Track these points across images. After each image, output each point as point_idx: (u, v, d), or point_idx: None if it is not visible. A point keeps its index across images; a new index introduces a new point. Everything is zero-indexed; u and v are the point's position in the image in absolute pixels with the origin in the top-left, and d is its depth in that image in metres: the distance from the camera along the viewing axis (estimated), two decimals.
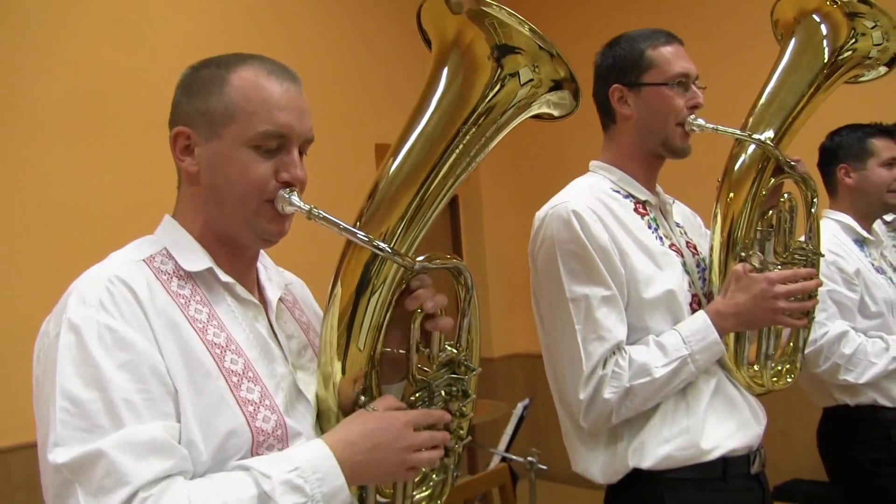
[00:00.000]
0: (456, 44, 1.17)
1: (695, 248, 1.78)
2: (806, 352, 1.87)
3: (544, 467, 2.93)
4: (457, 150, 1.14)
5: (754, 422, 1.67)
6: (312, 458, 1.03)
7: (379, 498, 1.18)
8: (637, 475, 1.60)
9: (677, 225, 1.81)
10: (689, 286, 1.68)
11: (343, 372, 1.14)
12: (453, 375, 1.21)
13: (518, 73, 1.14)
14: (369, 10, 4.04)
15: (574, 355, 1.59)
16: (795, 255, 1.74)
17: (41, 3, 2.93)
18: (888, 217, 3.18)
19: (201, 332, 1.06)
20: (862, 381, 2.21)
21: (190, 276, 1.11)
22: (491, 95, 1.14)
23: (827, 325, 2.25)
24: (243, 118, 1.09)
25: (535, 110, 1.19)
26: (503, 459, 3.08)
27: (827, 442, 2.41)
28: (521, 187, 5.42)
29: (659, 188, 1.82)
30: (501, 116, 1.15)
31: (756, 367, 1.74)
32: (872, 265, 2.40)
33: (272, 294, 1.22)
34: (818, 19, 1.77)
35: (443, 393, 1.19)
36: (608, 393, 1.56)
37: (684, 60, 1.69)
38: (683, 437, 1.58)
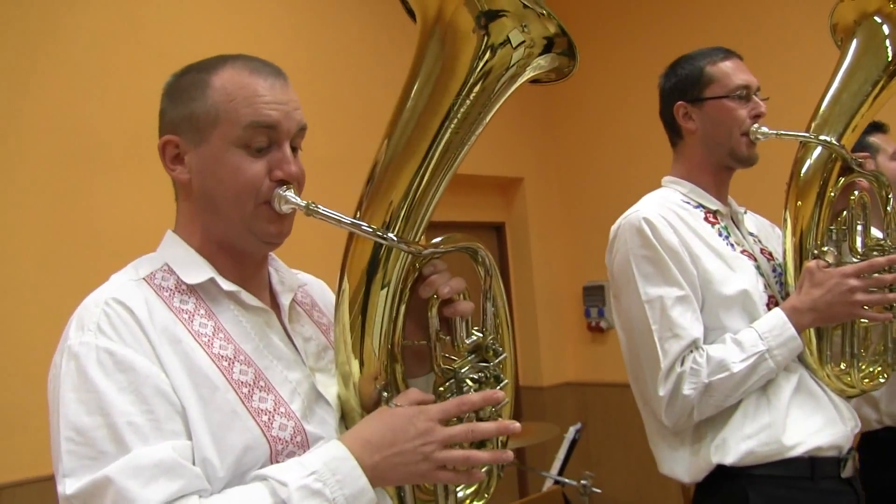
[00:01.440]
0: (439, 16, 1.14)
1: (770, 254, 1.90)
2: None
3: (598, 490, 2.94)
4: (453, 124, 1.11)
5: (841, 421, 1.74)
6: (330, 461, 1.02)
7: (421, 494, 1.16)
8: (721, 472, 1.69)
9: (750, 234, 1.93)
10: (765, 288, 1.79)
11: (361, 369, 1.12)
12: (481, 362, 1.19)
13: (508, 37, 1.11)
14: (381, 23, 4.17)
15: (652, 355, 1.70)
16: (873, 252, 1.81)
17: (92, 38, 3.10)
18: None
19: (207, 346, 1.06)
20: None
21: (192, 290, 1.11)
22: (482, 65, 1.11)
23: None
24: (228, 117, 1.09)
25: (530, 74, 1.17)
26: (556, 483, 3.09)
27: (868, 471, 2.35)
28: (569, 214, 5.52)
29: (731, 199, 1.95)
30: (498, 83, 1.13)
31: (843, 366, 1.80)
32: None
33: (284, 297, 1.22)
34: (879, 20, 1.89)
35: (469, 381, 1.16)
36: (687, 389, 1.66)
37: (743, 73, 1.83)
38: (765, 432, 1.67)
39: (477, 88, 1.11)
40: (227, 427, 1.02)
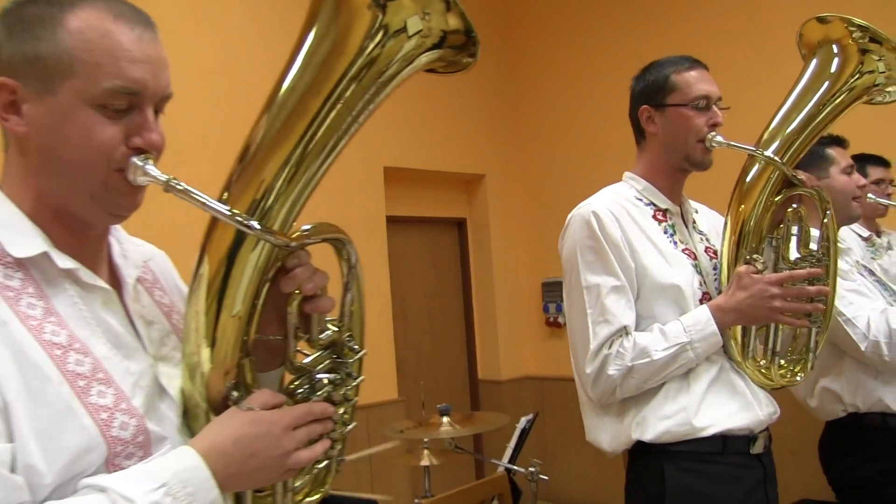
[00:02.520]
0: None
1: (715, 252, 2.12)
2: (865, 350, 2.26)
3: (545, 477, 3.15)
4: (336, 107, 1.06)
5: (757, 407, 1.98)
6: (181, 471, 0.94)
7: (259, 494, 1.12)
8: (640, 446, 1.94)
9: (700, 232, 2.16)
10: (700, 285, 2.03)
11: (211, 360, 1.05)
12: (336, 359, 1.18)
13: (406, 22, 1.07)
14: None
15: (585, 336, 1.95)
16: (804, 263, 2.03)
17: None
18: (863, 232, 3.52)
19: (36, 331, 0.94)
20: None
21: (20, 264, 0.98)
22: (372, 47, 1.06)
23: (861, 314, 2.48)
24: (85, 71, 0.96)
25: (424, 64, 1.13)
26: (506, 470, 3.28)
27: (832, 456, 2.68)
28: (530, 211, 5.77)
29: (686, 198, 2.19)
30: (386, 69, 1.08)
31: (763, 362, 2.05)
32: (857, 271, 2.72)
33: (128, 273, 1.11)
34: (836, 50, 2.12)
35: (325, 380, 1.14)
36: (612, 370, 1.90)
37: (705, 83, 2.05)
38: (681, 414, 1.91)
39: (365, 72, 1.06)
40: (59, 426, 0.91)
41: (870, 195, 2.87)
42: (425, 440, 3.37)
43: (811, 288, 1.95)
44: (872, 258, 3.89)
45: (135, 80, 0.98)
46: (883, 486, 2.50)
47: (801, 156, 2.07)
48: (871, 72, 2.05)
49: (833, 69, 2.09)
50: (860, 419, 2.55)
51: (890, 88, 2.09)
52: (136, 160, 0.99)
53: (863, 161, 4.02)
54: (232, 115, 3.72)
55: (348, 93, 1.06)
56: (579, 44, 5.35)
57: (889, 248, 3.80)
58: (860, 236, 3.99)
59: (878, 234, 4.14)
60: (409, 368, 5.22)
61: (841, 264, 2.59)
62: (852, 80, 2.06)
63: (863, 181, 2.84)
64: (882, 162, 4.10)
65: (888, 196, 4.01)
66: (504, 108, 5.68)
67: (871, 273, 2.84)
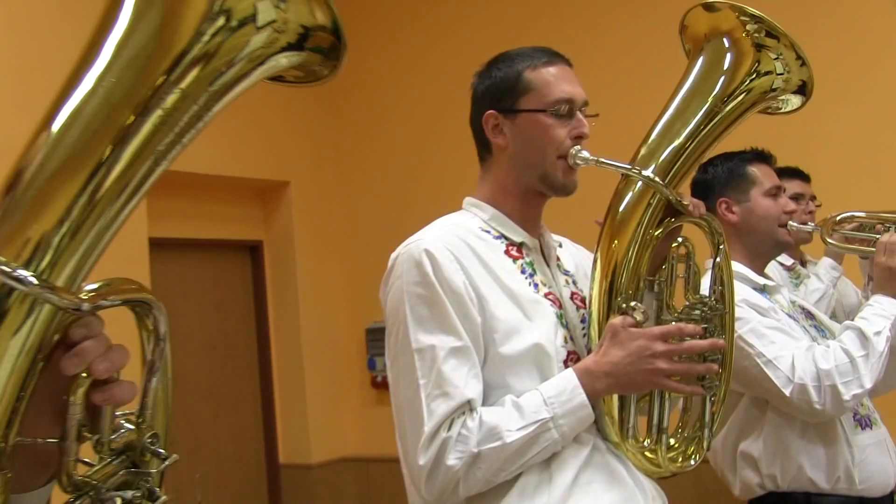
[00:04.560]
0: None
1: (584, 300, 2.24)
2: (790, 396, 2.46)
3: None
4: (152, 119, 1.05)
5: (641, 500, 2.07)
6: None
7: None
8: None
9: (565, 272, 2.28)
10: (566, 342, 2.13)
11: None
12: (133, 469, 1.16)
13: (255, 7, 1.09)
14: None
15: (416, 416, 1.99)
16: (694, 311, 2.18)
17: None
18: (787, 261, 3.85)
19: None
20: (868, 384, 2.67)
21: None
22: (209, 38, 1.07)
23: (784, 354, 2.71)
24: None
25: (273, 68, 1.17)
26: None
27: None
28: (350, 233, 5.82)
29: (545, 229, 2.29)
30: (224, 72, 1.09)
31: (648, 442, 2.15)
32: (782, 311, 2.96)
33: None
34: (727, 44, 2.31)
35: (119, 501, 1.12)
36: (452, 459, 1.94)
37: (568, 84, 2.16)
38: None
39: (197, 71, 1.07)
40: None
41: (791, 222, 3.13)
42: None
43: (703, 342, 2.07)
44: (796, 290, 4.26)
45: None
46: None
47: (686, 175, 2.23)
48: (769, 73, 2.25)
49: (725, 66, 2.27)
50: (782, 500, 2.77)
51: (787, 96, 2.30)
52: None
53: (777, 175, 4.39)
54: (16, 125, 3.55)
55: (170, 102, 1.05)
56: (417, 20, 5.52)
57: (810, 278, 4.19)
58: (782, 265, 4.35)
59: (804, 263, 4.54)
60: (180, 452, 5.05)
61: (758, 301, 2.82)
62: (749, 81, 2.24)
63: (791, 206, 3.10)
64: (798, 174, 4.49)
65: (810, 214, 4.40)
66: (315, 96, 5.71)
67: (810, 316, 3.11)
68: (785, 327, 2.80)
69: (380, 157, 5.71)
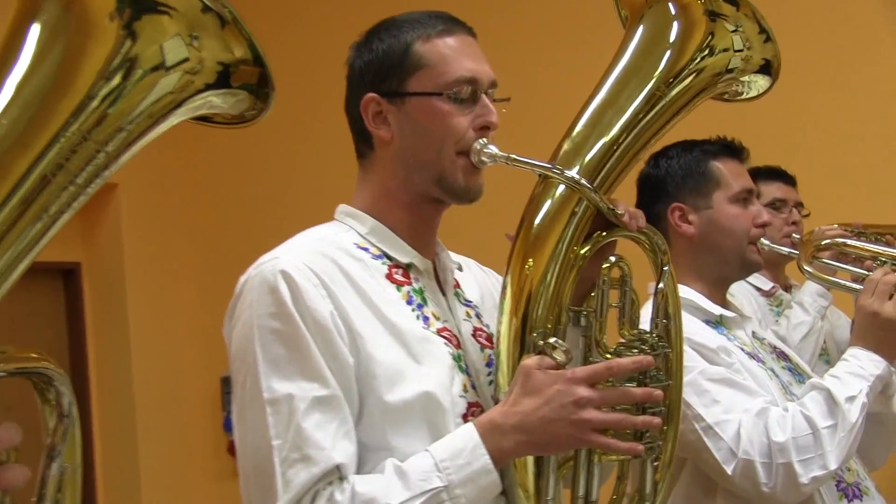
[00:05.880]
0: None
1: (490, 338, 2.22)
2: (732, 475, 2.47)
3: None
4: (50, 173, 1.20)
5: None
6: None
7: None
8: None
9: (466, 303, 2.26)
10: (466, 390, 2.11)
11: None
12: None
13: (162, 48, 1.22)
14: None
15: (268, 487, 1.94)
16: (630, 351, 2.17)
17: None
18: (764, 285, 3.94)
19: None
20: (833, 464, 2.66)
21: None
22: (117, 81, 1.21)
23: (729, 419, 2.69)
24: None
25: (195, 109, 1.32)
26: None
27: None
28: (198, 252, 5.79)
29: (442, 247, 2.27)
30: (132, 119, 1.24)
31: None
32: (743, 350, 2.96)
33: None
34: (673, 11, 2.32)
35: None
36: None
37: (471, 59, 2.16)
38: None
39: (103, 110, 1.20)
40: None
41: (763, 240, 3.11)
42: None
43: (639, 390, 2.05)
44: (776, 321, 4.36)
45: None
46: None
47: (621, 176, 2.22)
48: (725, 50, 2.25)
49: (671, 39, 2.28)
50: None
51: (748, 77, 2.31)
52: None
53: (753, 177, 4.47)
54: None
55: (70, 143, 1.18)
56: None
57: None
58: (758, 290, 4.44)
59: (787, 288, 4.64)
60: None
61: (703, 341, 2.79)
62: (700, 59, 2.25)
63: (764, 216, 3.09)
64: (780, 176, 4.57)
65: (795, 225, 4.50)
66: None
67: (783, 356, 3.11)
68: (737, 377, 2.77)
69: (237, 153, 5.69)
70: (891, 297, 2.85)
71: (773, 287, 4.47)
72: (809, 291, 4.25)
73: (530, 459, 2.08)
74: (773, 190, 4.44)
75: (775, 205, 4.43)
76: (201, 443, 5.68)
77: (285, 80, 5.04)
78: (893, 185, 4.97)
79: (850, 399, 2.71)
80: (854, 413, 2.70)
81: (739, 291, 4.17)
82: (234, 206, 5.68)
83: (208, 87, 1.26)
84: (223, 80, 1.27)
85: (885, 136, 5.00)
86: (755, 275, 4.36)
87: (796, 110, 4.30)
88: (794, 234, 4.33)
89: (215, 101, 1.30)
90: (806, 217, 4.54)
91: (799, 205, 4.54)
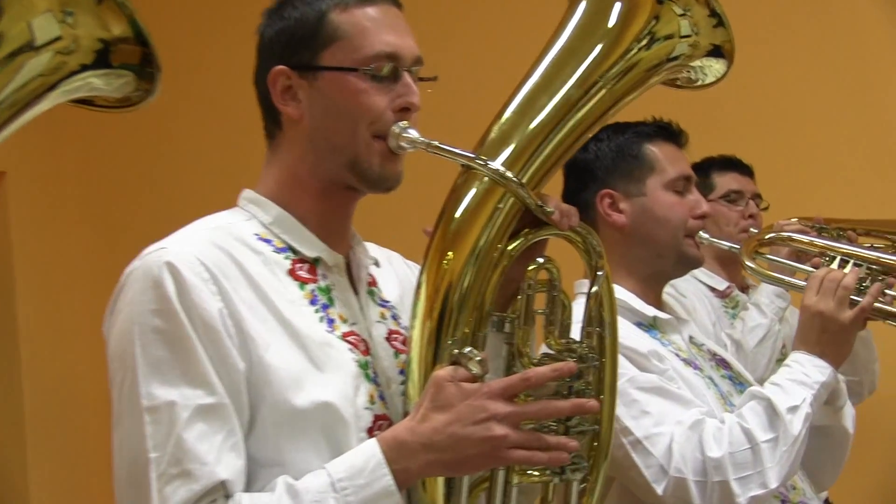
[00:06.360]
0: None
1: (406, 342, 2.19)
2: (663, 495, 2.44)
3: None
4: None
5: None
6: None
7: None
8: None
9: (382, 303, 2.25)
10: (372, 402, 2.10)
11: None
12: None
13: (30, 25, 1.21)
14: None
15: (141, 501, 1.93)
16: (558, 360, 2.14)
17: None
18: (719, 284, 3.95)
19: None
20: (774, 482, 2.68)
21: None
22: None
23: (660, 432, 2.70)
24: None
25: (72, 91, 1.32)
26: None
27: None
28: (105, 241, 5.78)
29: (358, 240, 2.26)
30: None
31: None
32: (678, 356, 2.97)
33: None
34: None
35: None
36: None
37: (393, 32, 2.14)
38: None
39: None
40: None
41: (702, 233, 3.12)
42: None
43: (563, 403, 2.04)
44: (732, 323, 4.38)
45: None
46: None
47: (553, 169, 2.22)
48: (670, 36, 2.25)
49: (612, 21, 2.27)
50: None
51: (700, 62, 2.32)
52: None
53: (707, 168, 4.49)
54: None
55: None
56: None
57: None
58: (713, 290, 4.46)
59: (744, 288, 4.66)
60: None
61: (633, 344, 2.79)
62: (638, 48, 2.25)
63: (703, 206, 3.07)
64: (736, 166, 4.59)
65: (752, 219, 4.53)
66: None
67: (724, 364, 3.12)
68: (669, 385, 2.77)
69: (139, 136, 5.64)
70: (836, 295, 2.86)
71: (729, 287, 4.47)
72: (766, 292, 4.28)
73: (440, 480, 2.06)
74: (728, 181, 4.45)
75: (730, 197, 4.45)
76: (96, 455, 5.57)
77: (187, 53, 5.02)
78: (858, 175, 4.98)
79: (793, 409, 2.73)
80: (796, 425, 2.71)
81: (691, 292, 4.21)
82: (137, 195, 5.66)
83: (85, 67, 1.26)
84: (102, 59, 1.27)
85: (849, 122, 5.02)
86: (709, 274, 4.41)
87: (753, 94, 4.30)
88: (751, 229, 4.33)
89: (96, 83, 1.29)
90: (764, 210, 4.54)
91: (756, 197, 4.55)
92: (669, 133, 3.08)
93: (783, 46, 5.12)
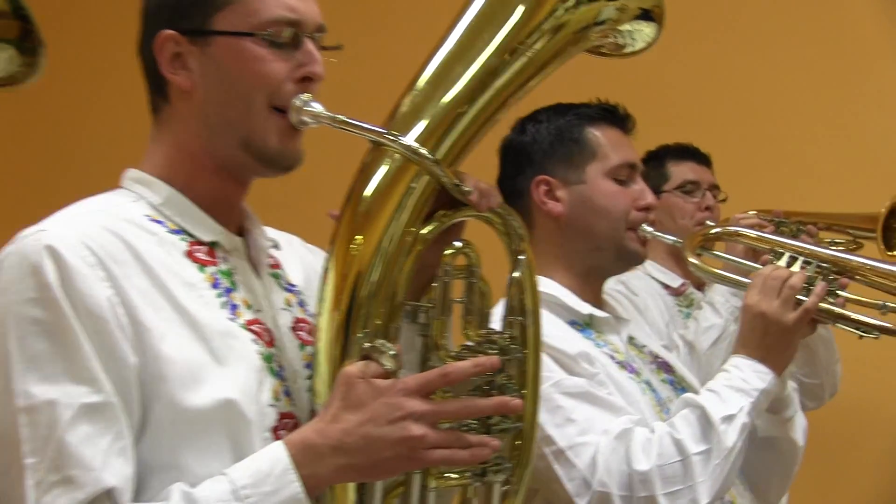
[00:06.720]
0: None
1: (313, 331, 2.16)
2: None
3: None
4: None
5: None
6: None
7: None
8: None
9: (288, 288, 2.24)
10: (277, 399, 2.07)
11: None
12: None
13: None
14: None
15: None
16: (477, 352, 2.13)
17: None
18: (673, 281, 3.94)
19: None
20: (705, 498, 2.66)
21: None
22: None
23: (586, 442, 2.69)
24: None
25: None
26: None
27: None
28: None
29: (255, 222, 2.24)
30: None
31: None
32: (613, 358, 2.95)
33: None
34: None
35: None
36: None
37: None
38: None
39: None
40: None
41: (645, 226, 3.08)
42: None
43: (487, 401, 2.03)
44: (686, 323, 4.38)
45: None
46: None
47: (471, 144, 2.20)
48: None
49: None
50: None
51: (629, 26, 2.30)
52: None
53: (661, 156, 4.50)
54: None
55: None
56: None
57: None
58: (667, 288, 4.46)
59: (700, 286, 4.66)
60: None
61: (560, 345, 2.77)
62: (564, 9, 2.22)
63: (648, 197, 3.07)
64: (693, 154, 4.61)
65: (708, 211, 4.54)
66: None
67: (666, 367, 3.11)
68: (598, 391, 2.75)
69: (18, 112, 5.63)
70: (781, 295, 2.85)
71: (683, 284, 4.46)
72: (721, 290, 4.23)
73: (351, 486, 2.04)
74: (684, 171, 4.45)
75: (686, 188, 4.45)
76: None
77: (71, 22, 4.99)
78: (821, 165, 5.00)
79: (728, 419, 2.72)
80: (731, 436, 2.70)
81: (643, 289, 4.21)
82: (13, 174, 5.57)
83: None
84: None
85: (813, 108, 5.04)
86: (663, 270, 4.41)
87: (712, 79, 4.30)
88: (708, 222, 4.32)
89: None
90: (722, 202, 4.54)
91: (714, 188, 4.55)
92: (614, 116, 3.06)
93: (746, 31, 5.13)
